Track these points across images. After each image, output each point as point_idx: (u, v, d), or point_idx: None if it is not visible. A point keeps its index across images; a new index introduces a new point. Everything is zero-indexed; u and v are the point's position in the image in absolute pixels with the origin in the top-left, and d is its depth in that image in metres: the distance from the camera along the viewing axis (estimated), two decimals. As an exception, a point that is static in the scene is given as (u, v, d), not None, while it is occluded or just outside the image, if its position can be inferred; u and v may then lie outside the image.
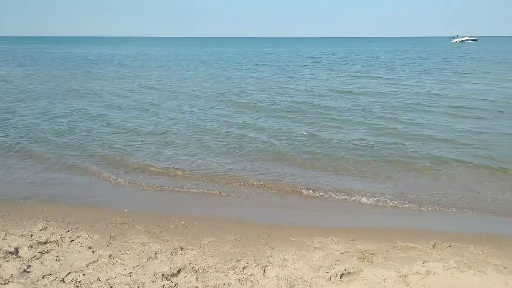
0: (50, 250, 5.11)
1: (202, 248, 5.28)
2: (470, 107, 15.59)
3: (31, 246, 5.15)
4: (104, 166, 8.99)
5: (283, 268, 4.73)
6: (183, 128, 12.61)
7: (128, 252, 5.12)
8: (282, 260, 4.96)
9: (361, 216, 6.65)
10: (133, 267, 4.68)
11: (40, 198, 7.22)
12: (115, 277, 4.46)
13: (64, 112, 15.05)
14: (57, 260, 4.82)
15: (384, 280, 4.45)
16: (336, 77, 27.59)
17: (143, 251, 5.14)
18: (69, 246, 5.23)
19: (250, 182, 8.03)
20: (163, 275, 4.48)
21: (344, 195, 7.37)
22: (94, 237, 5.57)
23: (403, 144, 10.41)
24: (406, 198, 7.25)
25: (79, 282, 4.31)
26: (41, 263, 4.73)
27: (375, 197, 7.27)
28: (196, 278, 4.48)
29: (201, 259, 4.94)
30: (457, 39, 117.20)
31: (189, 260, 4.91)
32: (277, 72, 31.70)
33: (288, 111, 15.22)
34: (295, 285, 4.36)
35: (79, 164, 9.12)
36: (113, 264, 4.76)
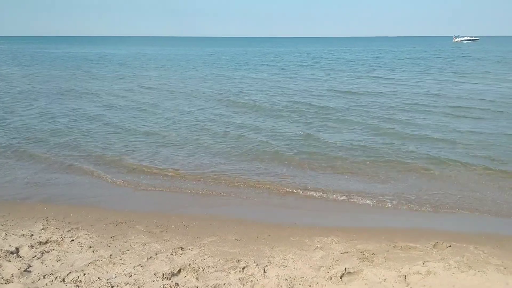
0: (51, 249, 5.11)
1: (202, 248, 5.29)
2: (470, 107, 15.59)
3: (32, 246, 5.15)
4: (104, 166, 9.00)
5: (284, 268, 4.73)
6: (182, 128, 12.61)
7: (128, 251, 5.12)
8: (283, 260, 4.97)
9: (361, 216, 6.65)
10: (134, 267, 4.69)
11: (40, 198, 7.22)
12: (116, 276, 4.46)
13: (64, 112, 15.04)
14: (57, 260, 4.82)
15: (385, 280, 4.46)
16: (335, 77, 27.59)
17: (144, 251, 5.15)
18: (70, 246, 5.24)
19: (250, 182, 8.03)
20: (163, 274, 4.48)
21: (343, 195, 7.37)
22: (94, 236, 5.58)
23: (402, 144, 10.40)
24: (406, 198, 7.25)
25: (80, 281, 4.31)
26: (42, 263, 4.73)
27: (375, 197, 7.27)
28: (197, 278, 4.49)
29: (201, 259, 4.94)
30: (457, 39, 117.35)
31: (189, 259, 4.91)
32: (277, 72, 31.68)
33: (287, 111, 15.21)
34: (295, 284, 4.37)
35: (79, 164, 9.12)
36: (114, 263, 4.76)
